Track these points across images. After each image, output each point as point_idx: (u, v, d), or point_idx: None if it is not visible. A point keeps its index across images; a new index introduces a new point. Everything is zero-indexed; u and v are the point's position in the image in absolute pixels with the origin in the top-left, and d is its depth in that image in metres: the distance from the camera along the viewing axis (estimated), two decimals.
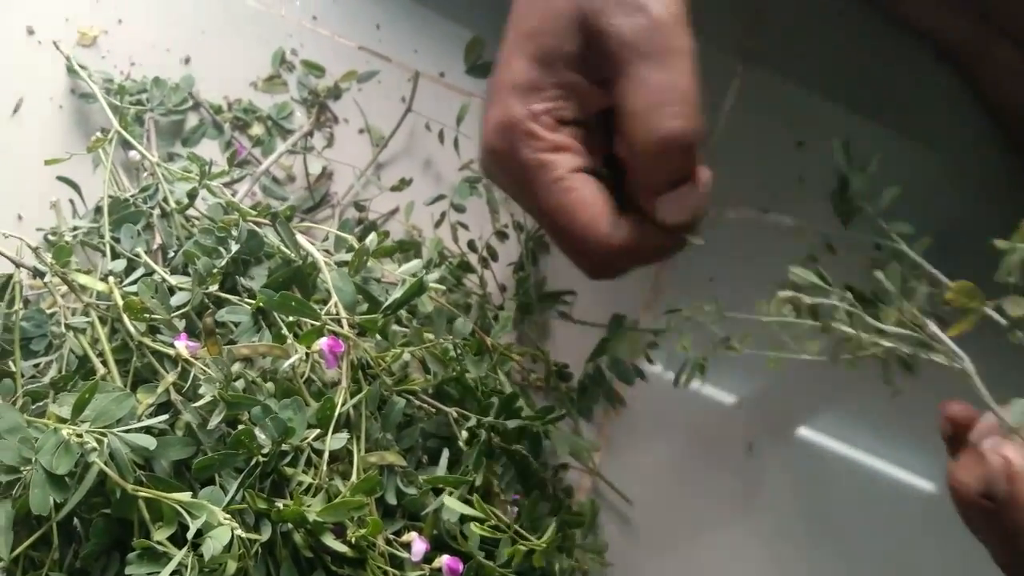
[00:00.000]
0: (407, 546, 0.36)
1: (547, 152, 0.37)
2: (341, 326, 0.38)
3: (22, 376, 0.39)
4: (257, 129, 0.55)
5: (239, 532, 0.31)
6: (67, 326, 0.37)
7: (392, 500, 0.37)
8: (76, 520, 0.36)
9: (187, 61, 0.56)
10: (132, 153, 0.52)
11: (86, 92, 0.54)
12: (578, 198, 0.37)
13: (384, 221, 0.54)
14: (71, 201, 0.50)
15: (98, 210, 0.48)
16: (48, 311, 0.43)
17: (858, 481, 0.57)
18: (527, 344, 0.53)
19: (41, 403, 0.37)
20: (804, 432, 0.58)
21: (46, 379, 0.39)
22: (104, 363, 0.36)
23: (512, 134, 0.37)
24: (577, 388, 0.52)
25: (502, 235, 0.54)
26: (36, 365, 0.41)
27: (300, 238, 0.41)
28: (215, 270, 0.37)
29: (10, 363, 0.39)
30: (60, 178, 0.49)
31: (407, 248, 0.49)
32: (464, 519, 0.38)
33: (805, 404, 0.58)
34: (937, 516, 0.55)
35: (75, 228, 0.44)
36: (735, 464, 0.55)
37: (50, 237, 0.46)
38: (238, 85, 0.56)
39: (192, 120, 0.55)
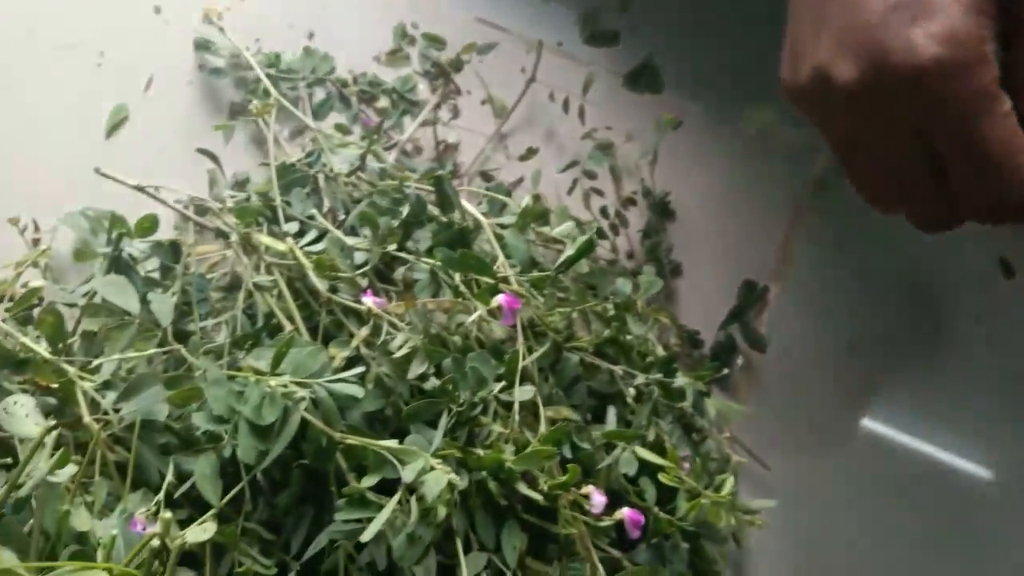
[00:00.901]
0: (586, 498, 0.36)
1: (995, 84, 0.33)
2: (510, 284, 0.38)
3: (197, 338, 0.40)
4: (383, 102, 0.56)
5: (451, 477, 0.32)
6: (254, 285, 0.37)
7: (568, 455, 0.38)
8: (261, 476, 0.37)
9: (311, 36, 0.57)
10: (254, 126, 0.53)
11: (215, 67, 0.55)
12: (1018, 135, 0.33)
13: (536, 194, 0.55)
14: (209, 172, 0.51)
15: (237, 182, 0.49)
16: (208, 276, 0.44)
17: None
18: (659, 312, 0.53)
19: (220, 361, 0.38)
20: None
21: (220, 340, 0.39)
22: (291, 320, 0.37)
23: (967, 54, 0.33)
24: (709, 355, 0.52)
25: (631, 202, 0.54)
26: (202, 328, 0.42)
27: (463, 201, 0.41)
28: (393, 230, 0.38)
29: (188, 325, 0.40)
30: (200, 150, 0.50)
31: (561, 215, 0.49)
32: (639, 475, 0.38)
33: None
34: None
35: (232, 196, 0.44)
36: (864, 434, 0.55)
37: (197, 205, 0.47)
38: (361, 59, 0.57)
39: (319, 95, 0.56)
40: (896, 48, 0.34)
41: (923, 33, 0.33)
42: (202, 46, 0.55)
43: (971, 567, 0.52)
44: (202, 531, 0.32)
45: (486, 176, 0.55)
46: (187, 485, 0.34)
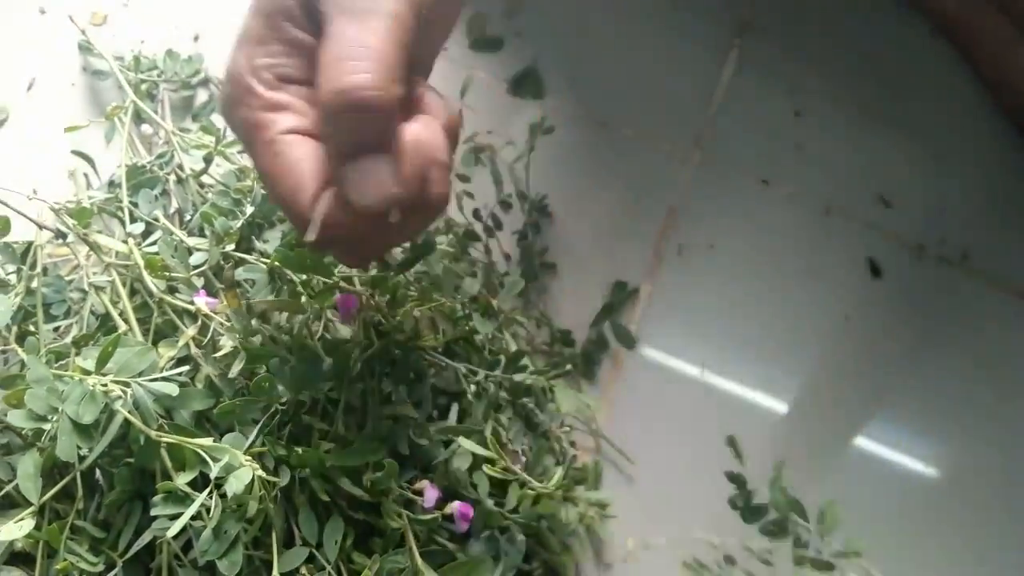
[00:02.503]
0: (419, 494, 0.37)
1: (263, 111, 0.34)
2: (353, 285, 0.39)
3: (43, 340, 0.40)
4: None
5: (260, 473, 0.32)
6: (90, 284, 0.38)
7: (404, 451, 0.39)
8: (99, 473, 0.37)
9: (196, 38, 0.57)
10: (144, 127, 0.54)
11: (98, 69, 0.55)
12: (284, 162, 0.34)
13: None
14: (85, 175, 0.52)
15: (112, 183, 0.50)
16: (67, 278, 0.44)
17: (856, 452, 0.58)
18: (531, 311, 0.54)
19: (64, 361, 0.39)
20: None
21: (67, 340, 0.40)
22: (125, 320, 0.37)
23: (234, 88, 0.35)
24: (580, 353, 0.53)
25: (506, 205, 0.55)
26: (56, 328, 0.43)
27: None
28: (232, 230, 0.39)
29: (31, 326, 0.40)
30: (75, 152, 0.51)
31: None
32: (473, 469, 0.39)
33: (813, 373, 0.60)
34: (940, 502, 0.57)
35: (91, 197, 0.45)
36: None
37: (67, 206, 0.48)
38: None
39: (202, 96, 0.56)
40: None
41: (226, 72, 0.36)
42: (86, 48, 0.55)
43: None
44: (17, 528, 0.32)
45: None
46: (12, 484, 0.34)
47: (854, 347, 0.59)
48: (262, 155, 0.34)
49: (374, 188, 0.33)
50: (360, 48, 0.32)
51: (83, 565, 0.35)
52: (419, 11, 0.34)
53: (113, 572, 0.35)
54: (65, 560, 0.34)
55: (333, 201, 0.33)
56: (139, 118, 0.53)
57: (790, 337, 0.58)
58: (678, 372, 0.56)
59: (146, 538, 0.34)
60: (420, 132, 0.33)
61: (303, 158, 0.34)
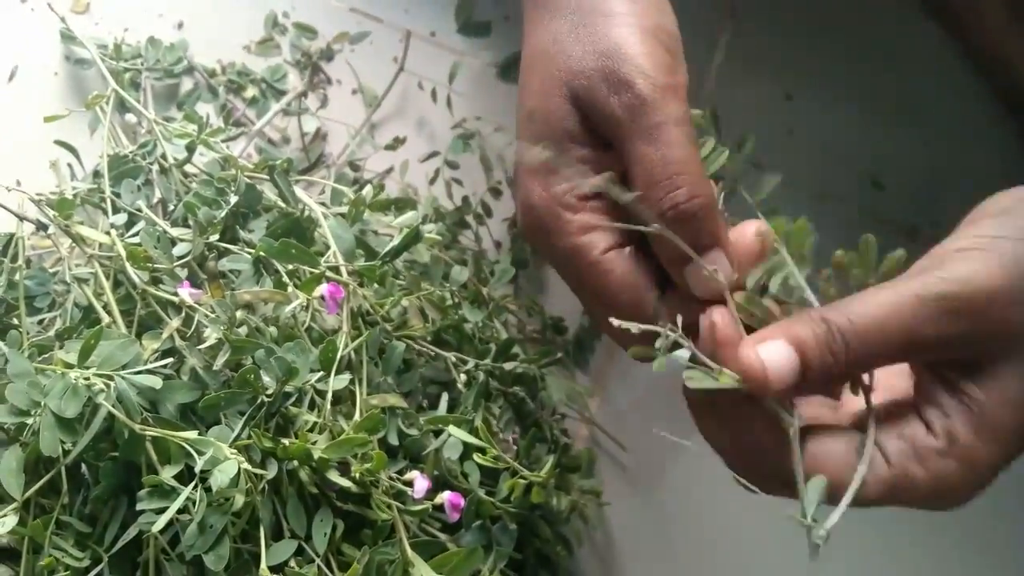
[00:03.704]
0: (409, 484, 0.37)
1: (578, 235, 0.36)
2: (340, 274, 0.39)
3: (27, 333, 0.40)
4: (251, 92, 0.56)
5: (245, 466, 0.32)
6: (72, 277, 0.37)
7: (394, 441, 0.38)
8: (84, 468, 0.37)
9: (180, 26, 0.57)
10: (129, 117, 0.53)
11: (81, 58, 0.54)
12: (618, 279, 0.36)
13: (379, 180, 0.55)
14: (69, 165, 0.51)
15: (96, 174, 0.49)
16: (51, 270, 0.44)
17: None
18: (523, 298, 0.53)
19: (47, 355, 0.38)
20: None
21: (51, 333, 0.39)
22: (108, 312, 0.37)
23: (541, 219, 0.37)
24: (572, 340, 0.53)
25: (496, 191, 0.55)
26: (40, 321, 0.42)
27: (298, 190, 0.42)
28: (215, 220, 0.38)
29: (14, 319, 0.40)
30: (58, 142, 0.50)
31: (402, 205, 0.50)
32: (464, 458, 0.39)
33: None
34: None
35: (75, 189, 0.44)
36: None
37: (50, 197, 0.47)
38: (231, 49, 0.57)
39: (187, 85, 0.56)
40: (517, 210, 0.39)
41: (519, 204, 0.38)
42: (67, 37, 0.54)
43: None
44: (0, 524, 0.32)
45: (354, 166, 0.55)
46: None
47: None
48: (592, 276, 0.36)
49: (715, 280, 0.35)
50: (667, 166, 0.34)
51: (68, 560, 0.34)
52: (687, 89, 0.36)
53: (99, 567, 0.35)
54: (50, 556, 0.34)
55: (684, 303, 0.35)
56: (123, 108, 0.53)
57: None
58: (672, 358, 0.56)
59: (132, 533, 0.34)
60: (750, 234, 0.36)
61: (632, 271, 0.36)
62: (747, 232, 0.36)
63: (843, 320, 0.32)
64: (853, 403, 0.37)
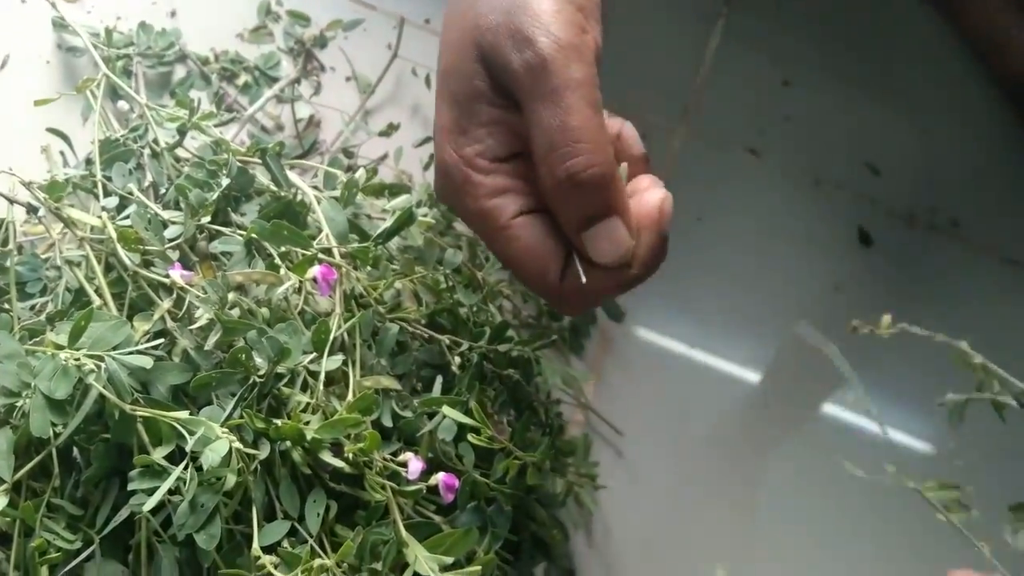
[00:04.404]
0: (403, 466, 0.37)
1: (487, 198, 0.36)
2: (332, 256, 0.38)
3: (18, 318, 0.39)
4: (244, 79, 0.56)
5: (237, 445, 0.32)
6: (63, 259, 0.37)
7: (388, 423, 0.38)
8: (76, 451, 0.37)
9: (173, 14, 0.56)
10: (121, 104, 0.53)
11: (73, 46, 0.54)
12: (524, 247, 0.36)
13: (373, 167, 0.55)
14: (62, 153, 0.51)
15: (88, 161, 0.49)
16: (43, 256, 0.44)
17: (843, 427, 0.58)
18: (518, 284, 0.53)
19: (38, 338, 0.38)
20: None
21: (42, 317, 0.39)
22: (100, 295, 0.37)
23: (452, 181, 0.37)
24: (568, 327, 0.53)
25: None
26: (32, 307, 0.42)
27: (290, 174, 0.41)
28: (207, 203, 0.38)
29: (5, 304, 0.40)
30: (50, 129, 0.50)
31: (396, 191, 0.49)
32: (459, 440, 0.38)
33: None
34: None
35: (67, 175, 0.44)
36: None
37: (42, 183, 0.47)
38: (225, 37, 0.57)
39: (180, 72, 0.55)
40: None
41: (435, 164, 0.38)
42: (60, 25, 0.54)
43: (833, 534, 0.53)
44: None
45: (348, 153, 0.55)
46: None
47: (845, 316, 0.59)
48: (499, 242, 0.36)
49: (614, 247, 0.35)
50: (565, 132, 0.34)
51: (60, 543, 0.34)
52: (598, 52, 0.36)
53: (90, 549, 0.34)
54: (41, 538, 0.34)
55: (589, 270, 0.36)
56: (116, 95, 0.53)
57: (780, 307, 0.58)
58: (667, 345, 0.55)
59: (123, 514, 0.34)
60: (654, 202, 0.36)
61: (539, 239, 0.36)
62: (648, 202, 0.36)
63: None
64: None
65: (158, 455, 0.33)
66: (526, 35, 0.34)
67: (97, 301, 0.36)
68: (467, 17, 0.36)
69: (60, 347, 0.34)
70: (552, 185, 0.34)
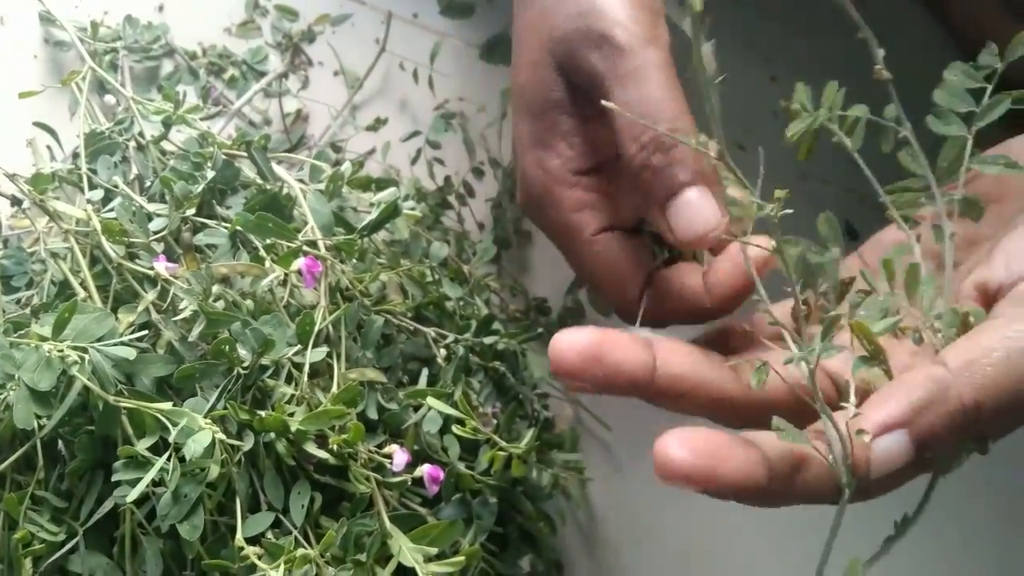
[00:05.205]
0: (388, 458, 0.37)
1: (569, 212, 0.37)
2: (317, 249, 0.38)
3: (3, 312, 0.39)
4: (232, 73, 0.56)
5: (220, 436, 0.32)
6: (47, 252, 0.37)
7: (373, 415, 0.38)
8: (61, 443, 0.37)
9: (160, 9, 0.56)
10: (108, 98, 0.53)
11: (60, 40, 0.54)
12: (605, 262, 0.37)
13: (360, 161, 0.55)
14: (49, 148, 0.51)
15: (76, 155, 0.49)
16: (29, 249, 0.44)
17: None
18: (506, 279, 0.53)
19: (23, 331, 0.38)
20: None
21: (27, 311, 0.39)
22: (84, 287, 0.37)
23: (534, 193, 0.37)
24: (556, 320, 0.53)
25: (479, 172, 0.55)
26: (18, 301, 0.42)
27: (276, 167, 0.41)
28: (191, 195, 0.38)
29: None
30: (37, 123, 0.49)
31: (383, 184, 0.49)
32: (444, 432, 0.38)
33: None
34: None
35: (53, 168, 0.44)
36: None
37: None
38: (213, 31, 0.57)
39: (168, 67, 0.55)
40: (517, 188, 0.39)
41: (519, 178, 0.38)
42: (47, 19, 0.54)
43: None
44: None
45: (335, 147, 0.55)
46: None
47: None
48: (581, 255, 0.37)
49: (699, 218, 0.34)
50: (649, 104, 0.34)
51: (43, 535, 0.34)
52: (668, 43, 0.36)
53: (74, 541, 0.34)
54: (24, 530, 0.34)
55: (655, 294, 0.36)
56: (103, 89, 0.53)
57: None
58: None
59: (107, 506, 0.34)
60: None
61: (621, 256, 0.37)
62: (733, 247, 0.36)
63: (970, 391, 0.28)
64: None
65: (142, 446, 0.33)
66: (601, 32, 0.35)
67: (82, 293, 0.36)
68: (539, 30, 0.37)
69: (44, 339, 0.34)
70: (636, 154, 0.34)
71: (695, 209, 0.34)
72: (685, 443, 0.27)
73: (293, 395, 0.35)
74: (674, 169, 0.34)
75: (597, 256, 0.37)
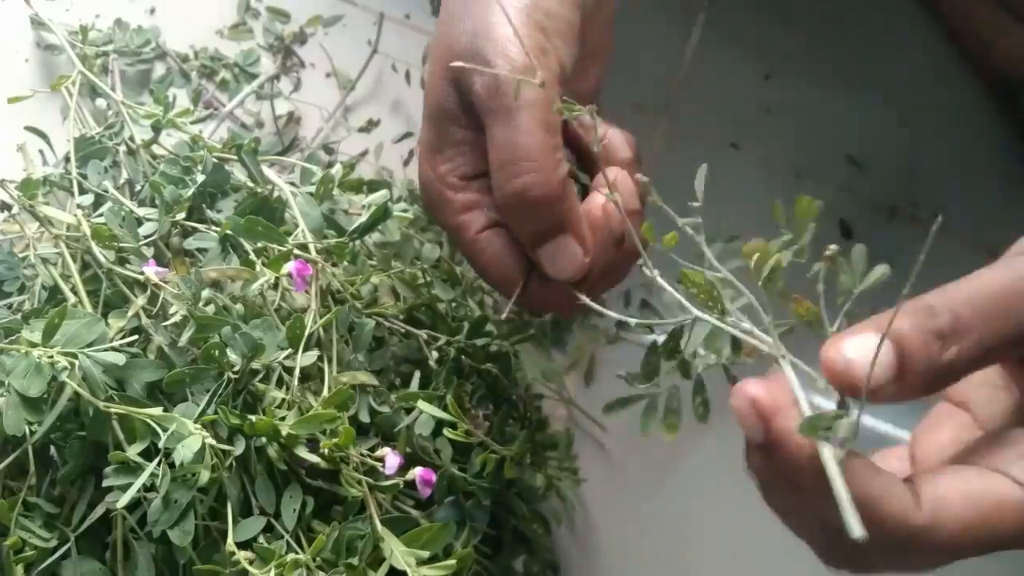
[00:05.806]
0: (381, 461, 0.37)
1: (458, 214, 0.38)
2: (308, 252, 0.38)
3: None
4: (224, 76, 0.55)
5: (210, 441, 0.32)
6: (38, 257, 0.37)
7: (365, 418, 0.38)
8: (52, 449, 0.37)
9: (152, 12, 0.56)
10: (100, 102, 0.53)
11: (51, 44, 0.54)
12: (489, 258, 0.38)
13: (352, 162, 0.55)
14: (41, 152, 0.51)
15: (67, 159, 0.49)
16: (20, 255, 0.43)
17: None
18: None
19: (14, 337, 0.38)
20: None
21: (18, 316, 0.39)
22: (75, 293, 0.36)
23: (428, 195, 0.39)
24: (550, 320, 0.53)
25: None
26: (9, 306, 0.42)
27: (266, 170, 0.41)
28: (181, 199, 0.38)
29: None
30: (28, 128, 0.49)
31: (375, 186, 0.49)
32: (436, 435, 0.38)
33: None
34: None
35: (44, 173, 0.44)
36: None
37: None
38: (204, 34, 0.56)
39: (160, 70, 0.55)
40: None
41: (418, 178, 0.40)
42: (38, 23, 0.54)
43: None
44: None
45: (328, 149, 0.55)
46: None
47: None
48: (468, 253, 0.39)
49: (567, 264, 0.37)
50: (515, 151, 0.35)
51: (35, 541, 0.34)
52: (563, 72, 0.37)
53: (66, 547, 0.34)
54: (16, 536, 0.33)
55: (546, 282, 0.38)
56: (95, 93, 0.52)
57: (762, 300, 0.58)
58: (650, 339, 0.55)
59: (99, 511, 0.34)
60: (598, 208, 0.37)
61: (503, 251, 0.38)
62: (591, 208, 0.38)
63: (944, 300, 0.28)
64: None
65: (133, 452, 0.33)
66: (486, 58, 0.36)
67: (72, 298, 0.36)
68: (443, 42, 0.38)
69: (34, 345, 0.34)
70: (502, 201, 0.36)
71: (560, 256, 0.37)
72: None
73: (284, 399, 0.35)
74: (536, 219, 0.36)
75: (482, 253, 0.38)
